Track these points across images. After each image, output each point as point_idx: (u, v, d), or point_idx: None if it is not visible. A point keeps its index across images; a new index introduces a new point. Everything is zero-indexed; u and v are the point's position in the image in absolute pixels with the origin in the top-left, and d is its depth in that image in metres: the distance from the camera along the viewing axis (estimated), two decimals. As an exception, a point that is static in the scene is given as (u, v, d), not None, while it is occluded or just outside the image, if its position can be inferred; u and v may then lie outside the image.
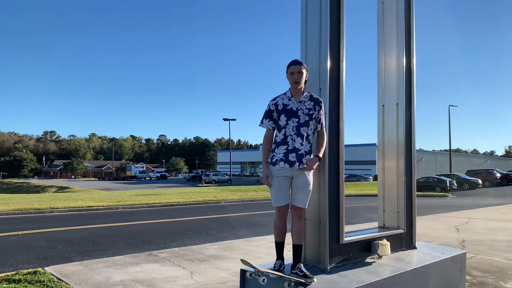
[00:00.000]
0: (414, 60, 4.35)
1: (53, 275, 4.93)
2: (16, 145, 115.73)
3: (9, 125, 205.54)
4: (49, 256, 6.54)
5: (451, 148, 47.37)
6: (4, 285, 4.48)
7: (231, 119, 50.65)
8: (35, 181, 64.72)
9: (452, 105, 46.21)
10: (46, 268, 5.25)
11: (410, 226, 4.23)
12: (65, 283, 4.61)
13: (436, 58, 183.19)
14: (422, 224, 9.50)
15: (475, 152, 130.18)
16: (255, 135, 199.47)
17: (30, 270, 5.11)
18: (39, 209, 13.50)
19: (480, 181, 34.27)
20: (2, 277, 4.84)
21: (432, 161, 60.32)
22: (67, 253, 6.73)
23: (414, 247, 4.23)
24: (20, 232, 8.94)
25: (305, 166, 3.12)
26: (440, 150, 70.45)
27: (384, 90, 4.38)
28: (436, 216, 11.85)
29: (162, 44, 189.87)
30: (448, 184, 29.52)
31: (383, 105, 4.39)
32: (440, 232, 8.49)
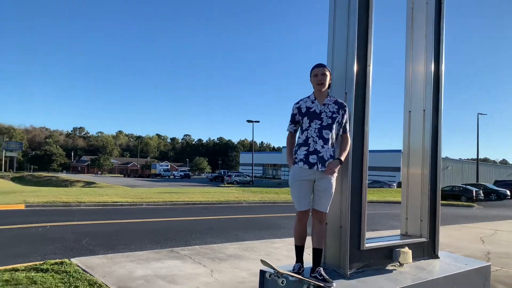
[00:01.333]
0: (443, 66, 4.28)
1: (79, 266, 5.09)
2: (47, 139, 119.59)
3: (40, 121, 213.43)
4: (75, 248, 6.76)
5: (479, 157, 45.92)
6: (33, 274, 4.67)
7: (255, 121, 50.76)
8: (63, 175, 66.68)
9: (481, 113, 44.82)
10: (72, 260, 5.43)
11: (433, 235, 4.16)
12: (90, 274, 4.76)
13: (465, 63, 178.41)
14: (446, 233, 9.28)
15: (504, 162, 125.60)
16: (278, 137, 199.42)
17: (57, 260, 5.30)
18: (67, 202, 13.93)
19: (508, 192, 33.05)
20: (30, 266, 5.04)
21: (458, 170, 58.73)
22: (92, 246, 6.93)
23: (437, 257, 4.16)
24: (48, 224, 9.25)
25: (326, 169, 3.13)
26: (467, 159, 68.40)
27: (411, 96, 4.33)
28: (460, 226, 11.56)
29: (190, 42, 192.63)
30: (474, 194, 28.64)
31: (410, 111, 4.34)
32: (464, 243, 8.28)
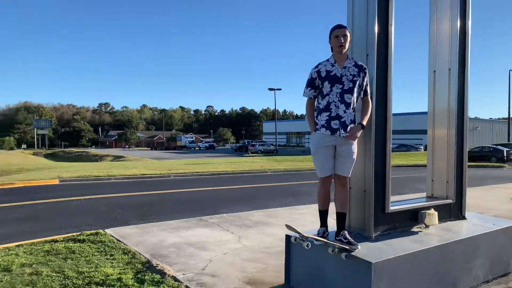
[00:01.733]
0: (470, 21, 4.09)
1: (113, 236, 5.34)
2: (75, 116, 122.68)
3: (67, 98, 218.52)
4: (108, 219, 7.06)
5: (511, 116, 44.23)
6: (71, 244, 4.93)
7: (277, 89, 50.29)
8: (93, 151, 68.72)
9: (513, 70, 42.78)
10: (106, 230, 5.69)
11: (460, 196, 4.12)
12: (124, 243, 4.99)
13: (494, 17, 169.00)
14: (474, 195, 9.15)
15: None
16: (301, 105, 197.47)
17: (92, 231, 5.57)
18: (98, 176, 14.43)
19: (542, 151, 31.93)
20: (68, 237, 5.32)
21: (488, 130, 56.87)
22: (124, 217, 7.22)
23: (464, 218, 4.13)
24: (81, 197, 9.66)
25: (348, 135, 3.10)
26: (498, 119, 66.04)
27: (436, 55, 4.18)
28: (490, 187, 11.35)
29: (208, 14, 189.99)
30: (505, 154, 27.77)
31: (434, 71, 4.21)
32: (493, 204, 8.15)
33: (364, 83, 3.22)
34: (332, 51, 3.23)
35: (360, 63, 3.24)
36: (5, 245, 4.97)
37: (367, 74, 3.24)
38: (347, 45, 3.15)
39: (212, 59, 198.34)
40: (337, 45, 3.13)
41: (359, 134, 3.15)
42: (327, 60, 3.24)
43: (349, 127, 3.13)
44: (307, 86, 3.27)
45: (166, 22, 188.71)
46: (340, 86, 3.14)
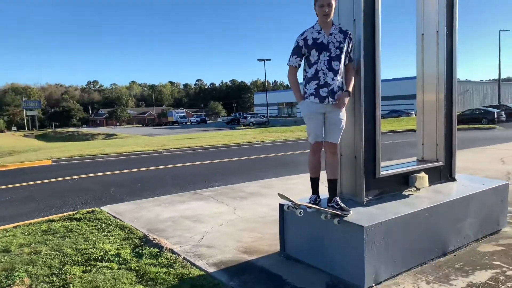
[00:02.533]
0: (457, -18, 4.03)
1: (109, 213, 5.38)
2: (63, 96, 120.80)
3: (55, 77, 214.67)
4: (103, 197, 7.09)
5: (501, 77, 44.34)
6: (68, 223, 4.97)
7: (266, 59, 49.63)
8: (84, 130, 68.17)
9: (503, 30, 42.63)
10: (102, 208, 5.73)
11: (449, 158, 4.18)
12: (120, 220, 5.04)
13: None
14: (465, 157, 9.29)
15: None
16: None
17: (88, 209, 5.60)
18: (90, 155, 14.38)
19: (533, 112, 32.24)
20: (65, 216, 5.35)
21: (479, 92, 57.09)
22: (119, 194, 7.26)
23: (454, 180, 4.21)
24: (75, 177, 9.65)
25: (337, 102, 3.11)
26: (489, 80, 66.21)
27: (423, 18, 4.14)
28: (480, 149, 11.51)
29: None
30: (496, 116, 28.05)
31: (422, 34, 4.18)
32: (484, 165, 8.30)
33: (349, 49, 3.20)
34: (317, 16, 3.18)
35: (345, 29, 3.21)
36: (2, 227, 4.99)
37: (352, 40, 3.22)
38: (331, 14, 3.11)
39: (201, 32, 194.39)
40: (322, 14, 3.10)
41: (346, 101, 3.16)
42: (313, 27, 3.19)
43: (337, 95, 3.13)
44: (293, 54, 3.22)
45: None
46: (328, 53, 3.11)
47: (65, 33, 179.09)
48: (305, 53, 3.19)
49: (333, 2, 3.09)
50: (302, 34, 3.19)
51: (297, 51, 3.20)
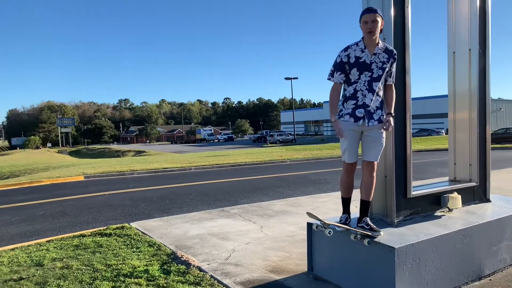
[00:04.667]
0: (489, 0, 3.98)
1: (138, 229, 5.47)
2: (96, 113, 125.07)
3: (88, 95, 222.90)
4: (132, 213, 7.22)
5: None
6: (98, 238, 5.08)
7: (293, 78, 49.92)
8: (115, 147, 70.04)
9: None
10: (131, 224, 5.83)
11: (483, 178, 4.05)
12: (149, 236, 5.11)
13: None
14: (498, 177, 8.95)
15: None
16: (318, 93, 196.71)
17: (118, 225, 5.71)
18: (121, 171, 14.72)
19: None
20: (95, 231, 5.47)
21: (513, 111, 55.20)
22: (148, 211, 7.37)
23: (488, 200, 4.07)
24: (106, 193, 9.89)
25: (386, 127, 3.02)
26: (524, 99, 63.87)
27: (454, 36, 4.08)
28: (516, 169, 11.05)
29: (223, 5, 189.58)
30: (531, 135, 27.00)
31: (454, 52, 4.12)
32: (521, 186, 7.95)
33: (392, 69, 3.11)
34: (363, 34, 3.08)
35: (390, 48, 3.11)
36: (36, 241, 5.16)
37: (396, 60, 3.13)
38: (377, 31, 2.99)
39: (227, 48, 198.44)
40: (366, 31, 3.00)
41: (393, 123, 3.07)
42: (357, 44, 3.08)
43: (375, 115, 3.05)
44: (336, 70, 3.11)
45: (182, 19, 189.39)
46: (369, 74, 3.03)
47: (98, 54, 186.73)
48: (346, 69, 3.09)
49: (379, 20, 2.98)
50: (345, 50, 3.09)
51: (340, 67, 3.09)
